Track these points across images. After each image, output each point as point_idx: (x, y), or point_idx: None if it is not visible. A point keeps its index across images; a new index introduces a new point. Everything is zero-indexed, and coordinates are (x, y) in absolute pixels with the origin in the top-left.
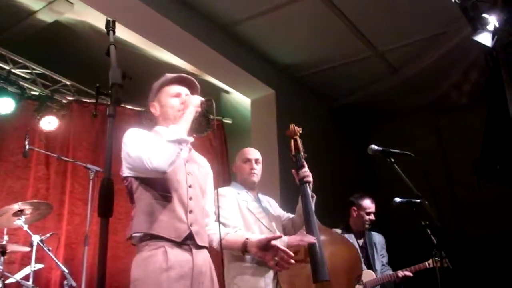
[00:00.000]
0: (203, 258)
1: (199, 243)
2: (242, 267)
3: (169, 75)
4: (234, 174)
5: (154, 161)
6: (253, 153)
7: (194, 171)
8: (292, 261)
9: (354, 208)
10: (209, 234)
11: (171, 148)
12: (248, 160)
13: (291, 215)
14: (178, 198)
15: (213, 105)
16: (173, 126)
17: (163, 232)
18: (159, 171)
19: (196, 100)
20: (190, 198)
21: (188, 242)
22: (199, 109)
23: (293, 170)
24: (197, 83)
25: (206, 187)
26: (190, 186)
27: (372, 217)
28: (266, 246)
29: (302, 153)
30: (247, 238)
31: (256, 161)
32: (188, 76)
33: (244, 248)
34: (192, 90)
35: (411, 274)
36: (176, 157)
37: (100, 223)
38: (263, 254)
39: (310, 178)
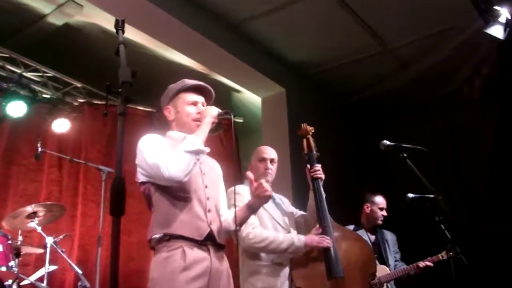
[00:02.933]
0: (220, 257)
1: (219, 241)
2: (257, 266)
3: (188, 82)
4: (249, 170)
5: (172, 170)
6: (269, 153)
7: (208, 172)
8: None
9: (368, 204)
10: (223, 220)
11: (188, 158)
12: (263, 160)
13: (303, 213)
14: (197, 198)
15: (231, 118)
16: (190, 136)
17: (184, 232)
18: (176, 180)
19: (214, 111)
20: (208, 198)
21: (207, 242)
22: (216, 120)
23: (306, 168)
24: (213, 93)
25: (219, 187)
26: (206, 187)
27: (384, 213)
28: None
29: (315, 152)
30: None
31: (272, 160)
32: (206, 85)
33: (249, 207)
34: (208, 99)
35: (431, 264)
36: (193, 167)
37: (112, 222)
38: None
39: (322, 175)
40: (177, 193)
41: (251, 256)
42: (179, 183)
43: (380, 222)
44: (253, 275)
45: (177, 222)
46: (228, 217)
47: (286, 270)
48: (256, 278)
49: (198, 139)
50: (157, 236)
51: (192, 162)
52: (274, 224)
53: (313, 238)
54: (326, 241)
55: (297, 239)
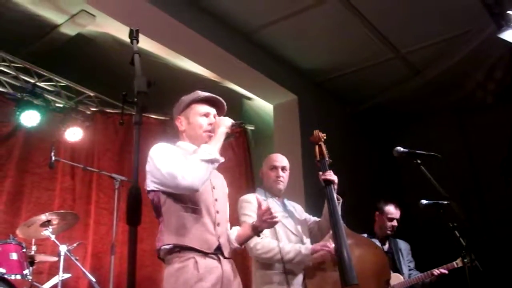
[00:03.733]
0: (230, 266)
1: (226, 255)
2: (269, 275)
3: (200, 93)
4: (260, 178)
5: (189, 179)
6: (281, 160)
7: (218, 186)
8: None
9: (378, 213)
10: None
11: (204, 166)
12: (274, 168)
13: (317, 219)
14: (207, 211)
15: (246, 130)
16: (205, 145)
17: (195, 244)
18: (193, 189)
19: (228, 122)
20: (217, 212)
21: (216, 252)
22: (229, 131)
23: (319, 175)
24: (225, 105)
25: (227, 201)
26: (216, 200)
27: (394, 223)
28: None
29: (327, 159)
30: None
31: (283, 168)
32: (219, 97)
33: (254, 228)
34: (220, 111)
35: (446, 272)
36: (208, 176)
37: (128, 231)
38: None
39: (334, 178)
40: (187, 204)
41: (263, 265)
42: (196, 192)
43: (389, 232)
44: (266, 284)
45: (187, 234)
46: (230, 233)
47: (299, 278)
48: (268, 287)
49: (214, 148)
50: (167, 247)
51: (208, 171)
52: (286, 232)
53: (317, 245)
54: (330, 247)
55: (304, 248)
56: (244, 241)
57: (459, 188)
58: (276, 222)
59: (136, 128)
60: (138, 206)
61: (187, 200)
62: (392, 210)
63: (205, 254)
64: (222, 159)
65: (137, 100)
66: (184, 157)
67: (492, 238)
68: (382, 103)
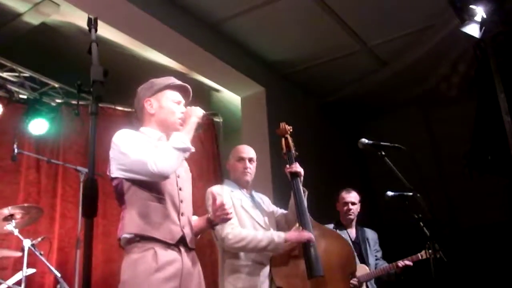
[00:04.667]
0: (191, 258)
1: (190, 245)
2: (237, 265)
3: (175, 80)
4: (228, 170)
5: (160, 165)
6: (248, 152)
7: (182, 174)
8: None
9: (337, 202)
10: None
11: (176, 154)
12: (241, 159)
13: (284, 211)
14: (171, 201)
15: (214, 123)
16: (178, 134)
17: (158, 234)
18: (163, 176)
19: (199, 112)
20: (181, 201)
21: (178, 244)
22: (201, 121)
23: (285, 167)
24: (191, 96)
25: (191, 190)
26: (180, 189)
27: (349, 206)
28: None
29: (293, 151)
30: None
31: (250, 160)
32: (189, 88)
33: (208, 222)
34: (187, 101)
35: (411, 263)
36: (179, 165)
37: (84, 224)
38: None
39: (300, 169)
40: (152, 193)
41: (231, 256)
42: (165, 179)
43: (350, 217)
44: (233, 274)
45: (150, 223)
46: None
47: (266, 269)
48: (236, 277)
49: (186, 137)
50: (127, 236)
51: (180, 160)
52: (254, 224)
53: (293, 234)
54: (306, 235)
55: (277, 236)
56: (198, 232)
57: (423, 180)
58: (229, 219)
59: (92, 119)
60: (94, 198)
61: (152, 188)
62: (344, 194)
63: (166, 245)
64: (193, 149)
65: (92, 89)
66: (149, 144)
67: (456, 229)
68: (349, 95)
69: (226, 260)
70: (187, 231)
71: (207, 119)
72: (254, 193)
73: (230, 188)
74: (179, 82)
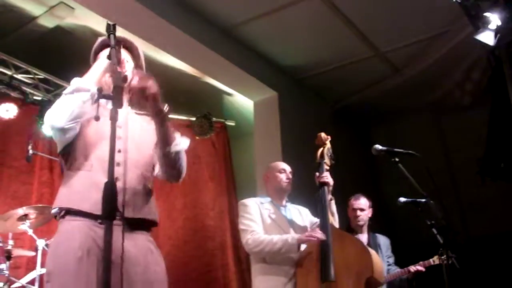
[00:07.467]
0: (134, 240)
1: (129, 215)
2: (262, 267)
3: (104, 39)
4: (264, 182)
5: (49, 118)
6: (287, 166)
7: (129, 135)
8: None
9: (348, 207)
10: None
11: (67, 100)
12: (284, 170)
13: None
14: (100, 165)
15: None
16: (76, 78)
17: (79, 205)
18: (56, 127)
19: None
20: (118, 164)
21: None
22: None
23: (315, 175)
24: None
25: (147, 147)
26: (119, 151)
27: (357, 213)
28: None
29: (327, 160)
30: None
31: (290, 172)
32: (122, 38)
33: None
34: (135, 53)
35: (423, 269)
36: (77, 110)
37: (104, 226)
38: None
39: (329, 180)
40: (78, 160)
41: (259, 260)
42: (64, 131)
43: (359, 223)
44: (259, 276)
45: (73, 194)
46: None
47: (291, 271)
48: (260, 278)
49: (83, 78)
50: (53, 210)
51: (74, 104)
52: (280, 232)
53: (304, 234)
54: (316, 234)
55: (291, 237)
56: (162, 139)
57: (436, 186)
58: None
59: (111, 123)
60: (113, 200)
61: (79, 154)
62: (352, 201)
63: (94, 217)
64: (91, 89)
65: (113, 94)
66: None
67: (469, 236)
68: (361, 101)
69: (253, 262)
70: (128, 199)
71: (220, 123)
72: (290, 205)
73: (260, 200)
74: (102, 39)
